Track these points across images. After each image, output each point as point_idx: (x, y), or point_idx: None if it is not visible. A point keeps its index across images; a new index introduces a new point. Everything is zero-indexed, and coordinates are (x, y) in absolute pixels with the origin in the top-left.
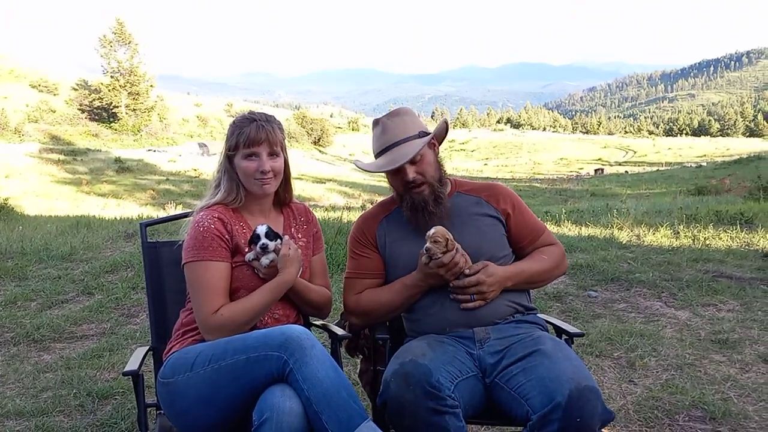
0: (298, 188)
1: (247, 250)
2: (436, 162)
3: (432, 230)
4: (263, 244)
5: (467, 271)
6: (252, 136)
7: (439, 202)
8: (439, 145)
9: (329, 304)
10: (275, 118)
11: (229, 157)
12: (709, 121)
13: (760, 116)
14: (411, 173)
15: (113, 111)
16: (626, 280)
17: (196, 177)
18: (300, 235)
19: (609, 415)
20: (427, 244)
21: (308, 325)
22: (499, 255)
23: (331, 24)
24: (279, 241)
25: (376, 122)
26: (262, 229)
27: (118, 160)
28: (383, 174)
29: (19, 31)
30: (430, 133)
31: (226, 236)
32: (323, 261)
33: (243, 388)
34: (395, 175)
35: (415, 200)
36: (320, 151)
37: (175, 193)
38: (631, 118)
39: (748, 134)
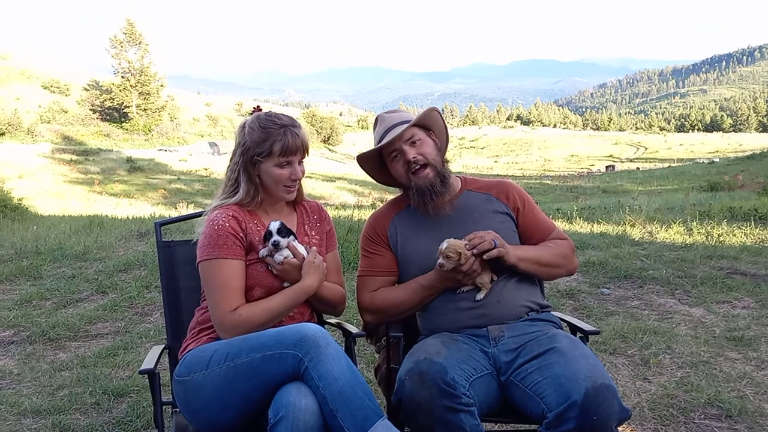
0: (308, 187)
1: (261, 246)
2: (438, 149)
3: (444, 245)
4: (275, 241)
5: (478, 281)
6: (290, 146)
7: (445, 183)
8: (445, 144)
9: (343, 302)
10: (298, 122)
11: (254, 161)
12: (722, 116)
13: None
14: (411, 153)
15: (124, 111)
16: (639, 278)
17: (206, 176)
18: (313, 233)
19: (626, 413)
20: (440, 260)
21: (322, 322)
22: None
23: (340, 22)
24: (292, 237)
25: (376, 119)
26: (274, 226)
27: (129, 159)
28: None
29: (30, 33)
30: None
31: (241, 234)
32: (337, 259)
33: (259, 386)
34: (396, 162)
35: (421, 185)
36: (330, 149)
37: (187, 193)
38: (642, 114)
39: (761, 130)
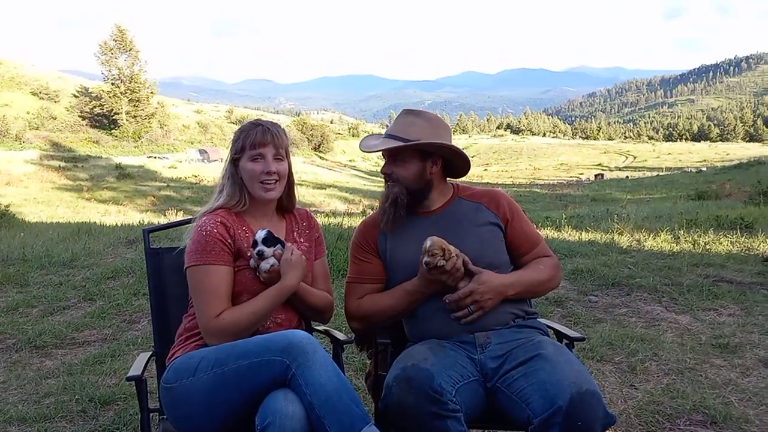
0: (298, 194)
1: (249, 254)
2: (419, 176)
3: (428, 243)
4: (259, 250)
5: (460, 285)
6: (258, 138)
7: (412, 204)
8: (455, 173)
9: (331, 309)
10: (280, 126)
11: (234, 162)
12: (709, 126)
13: (759, 121)
14: (387, 167)
15: (114, 118)
16: (627, 285)
17: (196, 183)
18: (302, 240)
19: (610, 419)
20: (425, 258)
21: (310, 330)
22: (499, 262)
23: (331, 30)
24: (279, 246)
25: (403, 111)
26: (260, 235)
27: (118, 166)
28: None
29: (20, 38)
30: (425, 146)
31: (229, 240)
32: (325, 266)
33: (246, 392)
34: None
35: (389, 193)
36: (320, 157)
37: (176, 200)
38: (631, 124)
39: (747, 139)
